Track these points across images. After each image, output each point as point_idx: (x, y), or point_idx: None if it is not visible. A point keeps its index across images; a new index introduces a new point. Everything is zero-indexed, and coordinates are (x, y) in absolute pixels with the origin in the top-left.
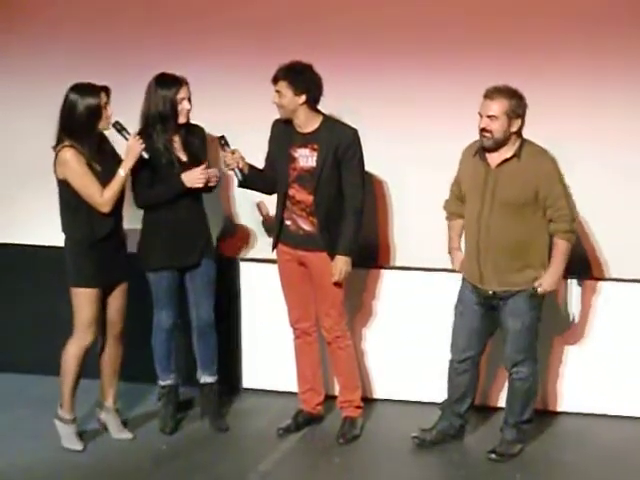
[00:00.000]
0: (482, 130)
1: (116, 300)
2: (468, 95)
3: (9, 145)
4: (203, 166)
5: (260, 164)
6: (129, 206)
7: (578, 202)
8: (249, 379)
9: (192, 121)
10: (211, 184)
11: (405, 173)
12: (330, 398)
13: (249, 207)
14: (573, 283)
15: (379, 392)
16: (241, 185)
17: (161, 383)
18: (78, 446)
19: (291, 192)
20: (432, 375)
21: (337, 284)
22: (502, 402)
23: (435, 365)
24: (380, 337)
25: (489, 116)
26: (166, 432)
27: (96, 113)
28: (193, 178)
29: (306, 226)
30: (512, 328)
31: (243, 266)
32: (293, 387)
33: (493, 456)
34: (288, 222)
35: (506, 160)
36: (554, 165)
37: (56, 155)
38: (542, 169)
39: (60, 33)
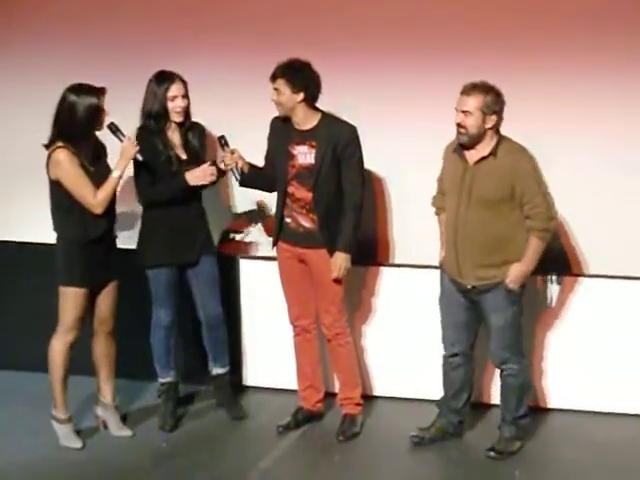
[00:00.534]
0: (458, 125)
1: (107, 298)
2: None
3: (7, 142)
4: (206, 164)
5: (260, 162)
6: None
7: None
8: (249, 377)
9: (193, 119)
10: (212, 179)
11: (405, 170)
12: (330, 395)
13: (248, 205)
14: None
15: (379, 389)
16: (241, 184)
17: (161, 380)
18: (77, 444)
19: (290, 189)
20: (432, 372)
21: (337, 281)
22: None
23: (434, 362)
24: (380, 334)
25: (464, 111)
26: (166, 429)
27: (96, 115)
28: (197, 176)
29: (306, 223)
30: (495, 325)
31: (243, 264)
32: (293, 385)
33: (492, 454)
34: (288, 219)
35: (484, 158)
36: (531, 163)
37: (49, 155)
38: (519, 167)
39: (59, 30)
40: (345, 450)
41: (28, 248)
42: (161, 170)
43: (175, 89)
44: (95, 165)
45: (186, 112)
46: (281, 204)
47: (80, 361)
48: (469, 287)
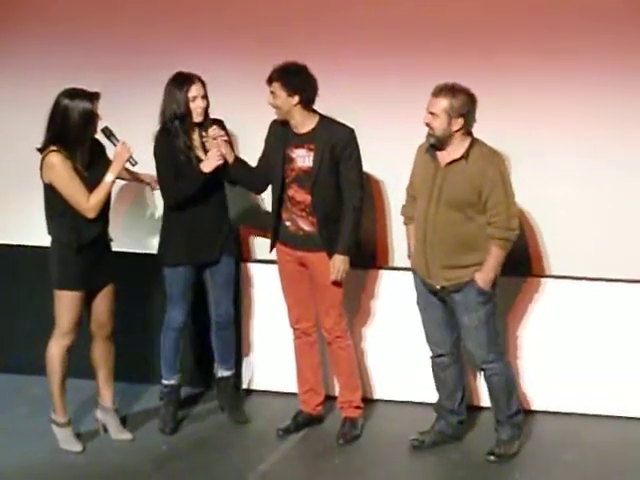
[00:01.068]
0: (426, 125)
1: (103, 302)
2: None
3: (5, 145)
4: (214, 150)
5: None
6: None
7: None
8: (249, 380)
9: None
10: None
11: (403, 173)
12: (330, 399)
13: (249, 208)
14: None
15: (379, 393)
16: (228, 179)
17: (164, 382)
18: (77, 447)
19: (290, 193)
20: (431, 375)
21: (336, 283)
22: None
23: None
24: (379, 337)
25: (431, 113)
26: (166, 432)
27: (89, 119)
28: (208, 162)
29: (306, 226)
30: (468, 325)
31: (243, 267)
32: (293, 388)
33: (492, 458)
34: (288, 223)
35: (455, 160)
36: (499, 169)
37: (42, 159)
38: (487, 172)
39: (57, 34)
40: (345, 453)
41: (27, 252)
42: (183, 171)
43: (195, 90)
44: (89, 169)
45: (205, 112)
46: (278, 207)
47: (80, 364)
48: (438, 287)
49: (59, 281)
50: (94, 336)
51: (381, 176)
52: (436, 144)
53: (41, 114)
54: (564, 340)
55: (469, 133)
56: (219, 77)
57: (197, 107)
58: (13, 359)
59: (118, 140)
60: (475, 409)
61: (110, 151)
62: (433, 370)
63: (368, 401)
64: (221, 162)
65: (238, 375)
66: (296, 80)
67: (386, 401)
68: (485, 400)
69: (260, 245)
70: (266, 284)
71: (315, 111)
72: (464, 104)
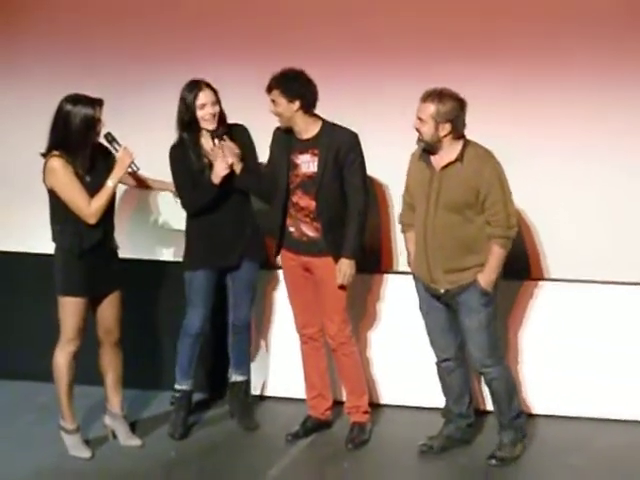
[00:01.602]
0: (416, 130)
1: (110, 308)
2: (468, 100)
3: (7, 154)
4: (219, 160)
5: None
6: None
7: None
8: (257, 386)
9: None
10: (237, 169)
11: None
12: (339, 404)
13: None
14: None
15: (386, 398)
16: (236, 184)
17: (177, 387)
18: (86, 454)
19: (295, 199)
20: (438, 380)
21: (341, 289)
22: None
23: None
24: (385, 342)
25: (419, 118)
26: (175, 437)
27: (92, 125)
28: (215, 173)
29: (310, 232)
30: (470, 327)
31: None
32: (302, 393)
33: (493, 462)
34: (292, 229)
35: (450, 163)
36: (495, 169)
37: (45, 164)
38: (483, 172)
39: (62, 42)
40: (354, 458)
41: (30, 259)
42: (197, 180)
43: (203, 97)
44: (92, 174)
45: (220, 118)
46: (282, 213)
47: (88, 371)
48: (442, 291)
49: (62, 287)
50: (102, 342)
51: (385, 180)
52: (427, 148)
53: (44, 123)
54: (564, 343)
55: (460, 137)
56: (223, 84)
57: (206, 114)
58: (21, 366)
59: (120, 146)
60: (482, 413)
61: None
62: (439, 375)
63: (375, 406)
64: (228, 172)
65: (249, 381)
66: (295, 85)
67: (393, 406)
68: (489, 404)
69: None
70: (276, 289)
71: (318, 116)
72: (451, 109)
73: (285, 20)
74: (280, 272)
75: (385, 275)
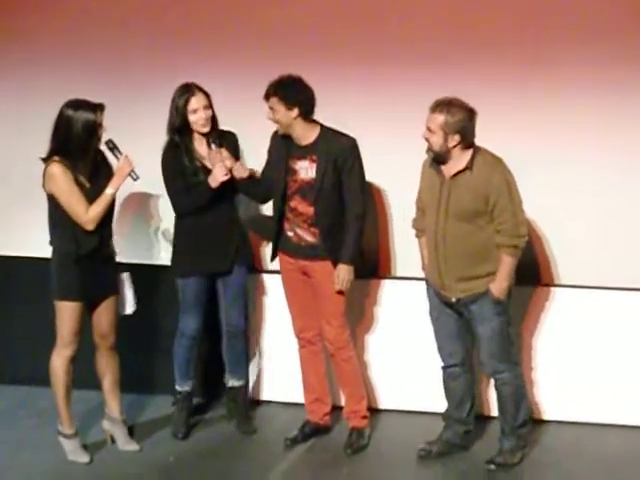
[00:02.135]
0: (425, 140)
1: (106, 313)
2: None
3: (8, 159)
4: (219, 165)
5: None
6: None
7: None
8: (256, 390)
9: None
10: (236, 174)
11: (406, 183)
12: (337, 408)
13: (253, 217)
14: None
15: (385, 403)
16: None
17: (178, 389)
18: (84, 459)
19: (292, 204)
20: (437, 384)
21: (339, 293)
22: None
23: (439, 374)
24: (384, 347)
25: (428, 128)
26: (178, 437)
27: (92, 131)
28: (214, 178)
29: (308, 237)
30: (483, 335)
31: (250, 277)
32: (300, 398)
33: (492, 467)
34: (290, 234)
35: (460, 171)
36: (504, 177)
37: (45, 169)
38: (492, 180)
39: (62, 48)
40: (353, 463)
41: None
42: (190, 182)
43: (195, 101)
44: (93, 181)
45: (212, 122)
46: (279, 218)
47: (87, 375)
48: (454, 300)
49: (59, 292)
50: (98, 347)
51: (383, 186)
52: (436, 158)
53: (45, 129)
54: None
55: (470, 146)
56: (220, 88)
57: (199, 118)
58: (20, 371)
59: (121, 153)
60: (485, 418)
61: (113, 163)
62: (444, 380)
63: (374, 411)
64: (227, 177)
65: (247, 386)
66: (293, 92)
67: (392, 411)
68: (495, 410)
69: (265, 255)
70: (273, 294)
71: (316, 122)
72: (460, 120)
73: (285, 25)
74: (278, 276)
75: (383, 280)
